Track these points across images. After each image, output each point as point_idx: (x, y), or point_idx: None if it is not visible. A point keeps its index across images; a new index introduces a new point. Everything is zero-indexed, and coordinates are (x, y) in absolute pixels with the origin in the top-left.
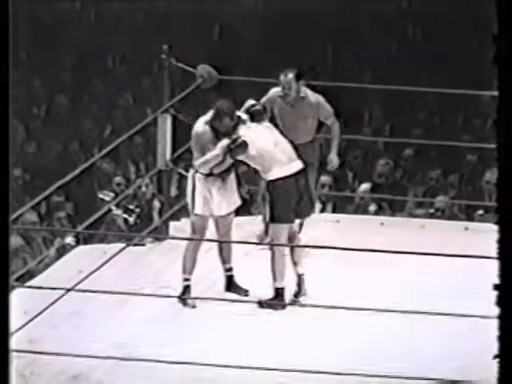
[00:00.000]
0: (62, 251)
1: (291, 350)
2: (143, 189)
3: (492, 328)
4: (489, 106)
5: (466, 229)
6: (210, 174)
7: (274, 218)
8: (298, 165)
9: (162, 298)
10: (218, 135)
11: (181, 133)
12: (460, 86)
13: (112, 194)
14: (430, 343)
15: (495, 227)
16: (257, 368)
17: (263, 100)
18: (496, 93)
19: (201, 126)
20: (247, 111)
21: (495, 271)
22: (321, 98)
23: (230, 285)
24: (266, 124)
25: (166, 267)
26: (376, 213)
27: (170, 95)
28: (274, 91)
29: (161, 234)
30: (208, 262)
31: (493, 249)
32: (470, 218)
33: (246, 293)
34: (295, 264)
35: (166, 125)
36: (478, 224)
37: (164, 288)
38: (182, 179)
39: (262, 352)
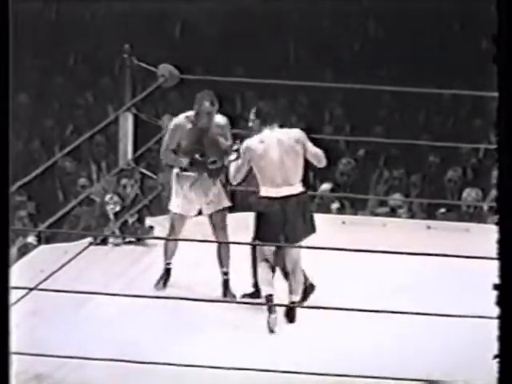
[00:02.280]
0: (24, 250)
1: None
2: (128, 189)
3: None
4: (450, 104)
5: (428, 227)
6: (183, 171)
7: (257, 235)
8: (290, 190)
9: (124, 297)
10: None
11: (142, 132)
12: (422, 85)
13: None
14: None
15: (457, 225)
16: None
17: None
18: (458, 91)
19: (181, 118)
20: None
21: (463, 267)
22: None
23: (226, 289)
24: (276, 134)
25: (129, 267)
26: (338, 211)
27: (132, 94)
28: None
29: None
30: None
31: (454, 246)
32: (432, 217)
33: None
34: (290, 292)
35: (127, 124)
36: (440, 222)
37: (126, 287)
38: (144, 178)
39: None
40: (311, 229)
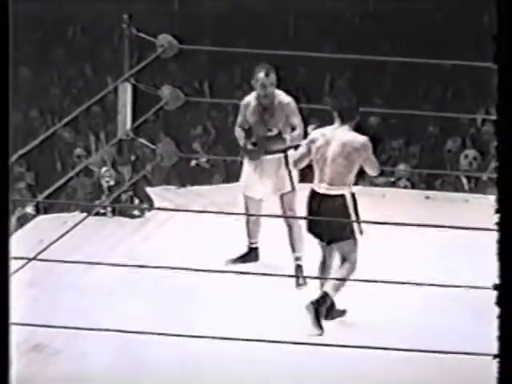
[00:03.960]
0: (23, 221)
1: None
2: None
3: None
4: (450, 75)
5: (427, 197)
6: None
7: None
8: (330, 189)
9: (123, 267)
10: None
11: (141, 102)
12: (422, 56)
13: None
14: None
15: (456, 195)
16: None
17: None
18: (458, 62)
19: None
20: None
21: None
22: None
23: (299, 274)
24: (342, 133)
25: (128, 237)
26: None
27: (131, 65)
28: None
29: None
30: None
31: (453, 216)
32: (431, 187)
33: (303, 283)
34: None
35: (126, 94)
36: (439, 193)
37: (125, 258)
38: (144, 148)
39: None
40: (348, 234)
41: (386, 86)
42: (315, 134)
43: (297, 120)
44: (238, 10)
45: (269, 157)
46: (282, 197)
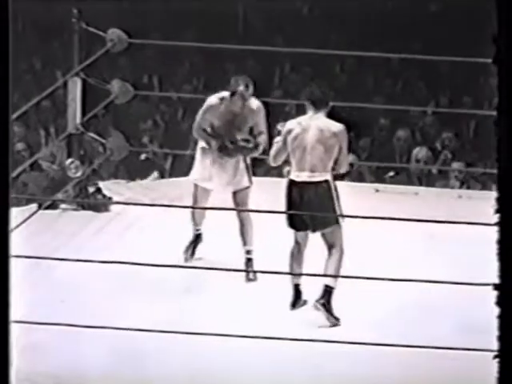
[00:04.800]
0: None
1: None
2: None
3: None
4: (399, 66)
5: (377, 190)
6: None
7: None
8: (311, 176)
9: (76, 261)
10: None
11: (91, 97)
12: (371, 50)
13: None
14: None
15: (406, 188)
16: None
17: None
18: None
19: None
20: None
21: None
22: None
23: (248, 268)
24: (317, 121)
25: (79, 231)
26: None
27: (80, 59)
28: None
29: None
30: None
31: (403, 209)
32: (381, 180)
33: (254, 278)
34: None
35: (75, 89)
36: (388, 186)
37: (76, 252)
38: (93, 142)
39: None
40: (335, 219)
41: (340, 79)
42: (290, 124)
43: (264, 125)
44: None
45: None
46: (236, 191)
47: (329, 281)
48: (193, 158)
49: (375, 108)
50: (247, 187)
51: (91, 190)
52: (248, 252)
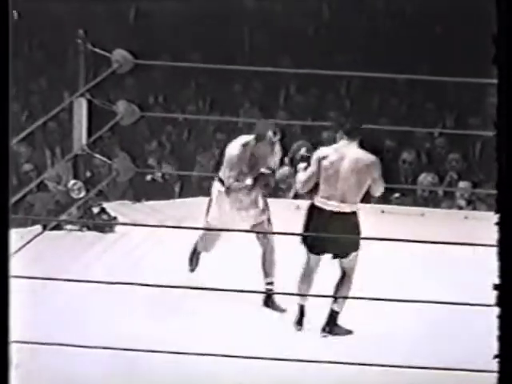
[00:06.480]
0: None
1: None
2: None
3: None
4: (405, 87)
5: (383, 212)
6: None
7: (304, 241)
8: (342, 207)
9: (82, 282)
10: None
11: (96, 117)
12: (377, 70)
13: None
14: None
15: (411, 209)
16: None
17: None
18: (411, 76)
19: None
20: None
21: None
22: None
23: (268, 300)
24: (353, 150)
25: (84, 252)
26: (295, 197)
27: (86, 80)
28: None
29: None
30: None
31: (409, 231)
32: (386, 201)
33: (282, 311)
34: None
35: (81, 109)
36: (394, 207)
37: (82, 273)
38: (97, 163)
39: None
40: (355, 248)
41: (343, 99)
42: (324, 151)
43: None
44: (194, 20)
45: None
46: (255, 225)
47: (336, 306)
48: (200, 179)
49: (381, 129)
50: (264, 221)
51: (96, 210)
52: (269, 283)
